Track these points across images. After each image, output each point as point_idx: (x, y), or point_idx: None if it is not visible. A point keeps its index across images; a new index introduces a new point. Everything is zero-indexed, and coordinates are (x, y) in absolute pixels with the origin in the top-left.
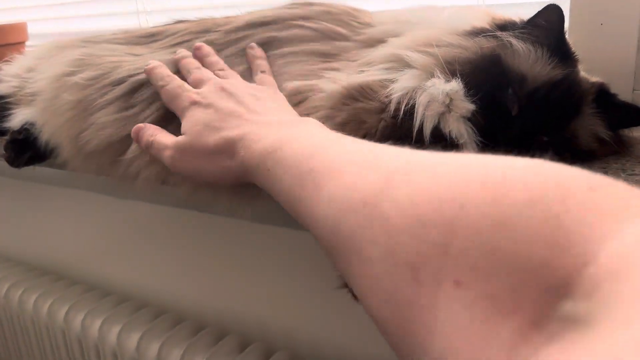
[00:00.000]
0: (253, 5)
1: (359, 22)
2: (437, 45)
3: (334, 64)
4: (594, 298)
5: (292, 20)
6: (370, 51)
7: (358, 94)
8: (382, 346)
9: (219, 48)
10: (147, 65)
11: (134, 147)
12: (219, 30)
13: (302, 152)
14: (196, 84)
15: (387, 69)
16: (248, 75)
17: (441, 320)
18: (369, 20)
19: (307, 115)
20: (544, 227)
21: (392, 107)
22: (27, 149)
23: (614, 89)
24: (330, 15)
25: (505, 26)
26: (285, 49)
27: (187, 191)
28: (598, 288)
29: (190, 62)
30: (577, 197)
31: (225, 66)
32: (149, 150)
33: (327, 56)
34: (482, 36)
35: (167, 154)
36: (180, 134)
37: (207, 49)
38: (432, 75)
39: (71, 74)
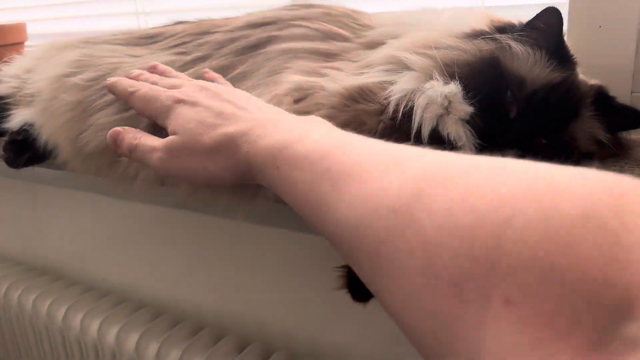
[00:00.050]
0: (252, 6)
1: (359, 24)
2: (436, 48)
3: (336, 64)
4: None
5: (293, 20)
6: (370, 53)
7: (358, 96)
8: (381, 347)
9: (217, 47)
10: (107, 82)
11: None
12: (218, 31)
13: (315, 150)
14: (171, 88)
15: (386, 70)
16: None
17: (490, 339)
18: (369, 22)
19: (308, 113)
20: (601, 243)
21: (391, 108)
22: (26, 149)
23: (612, 92)
24: (330, 16)
25: (504, 29)
26: (286, 45)
27: (186, 192)
28: None
29: (154, 75)
30: (632, 210)
31: (189, 78)
32: (132, 155)
33: (328, 55)
34: (481, 39)
35: (156, 156)
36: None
37: (164, 67)
38: (430, 78)
39: (70, 74)
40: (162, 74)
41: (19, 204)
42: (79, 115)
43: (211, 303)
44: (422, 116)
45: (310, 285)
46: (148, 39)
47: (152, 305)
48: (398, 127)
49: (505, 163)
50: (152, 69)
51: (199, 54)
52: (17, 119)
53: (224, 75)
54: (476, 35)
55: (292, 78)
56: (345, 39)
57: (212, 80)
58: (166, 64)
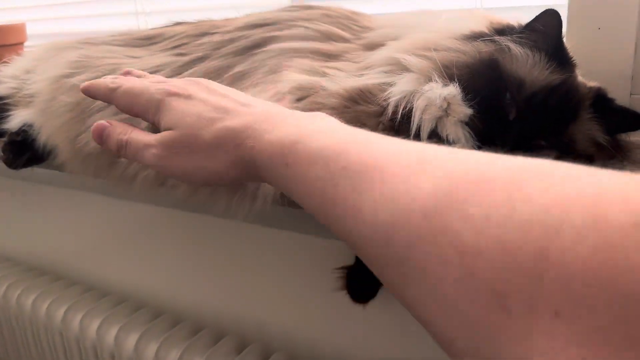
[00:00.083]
0: (252, 7)
1: (358, 26)
2: (435, 49)
3: (337, 64)
4: None
5: (292, 21)
6: (370, 54)
7: (358, 97)
8: (380, 348)
9: (216, 47)
10: (81, 87)
11: None
12: (217, 32)
13: (329, 146)
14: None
15: (385, 72)
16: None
17: (539, 353)
18: (369, 24)
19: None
20: None
21: (390, 110)
22: (25, 150)
23: (611, 93)
24: (330, 18)
25: (504, 30)
26: (286, 45)
27: (185, 193)
28: None
29: (132, 76)
30: None
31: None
32: (122, 152)
33: (328, 56)
34: (481, 40)
35: (150, 153)
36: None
37: (140, 72)
38: (430, 79)
39: (69, 75)
40: (138, 77)
41: (19, 204)
42: (78, 116)
43: (210, 303)
44: (421, 118)
45: (309, 286)
46: (147, 40)
47: (152, 306)
48: (397, 128)
49: (549, 166)
50: (129, 73)
51: (198, 54)
52: (16, 119)
53: (223, 75)
54: (475, 37)
55: (293, 76)
56: (345, 40)
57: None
58: (165, 65)
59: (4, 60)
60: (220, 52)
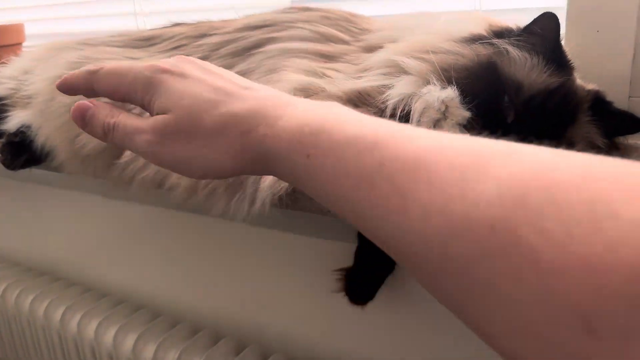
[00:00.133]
0: (250, 8)
1: (357, 28)
2: (434, 52)
3: (335, 65)
4: None
5: (291, 23)
6: (369, 56)
7: (357, 100)
8: (378, 350)
9: (215, 48)
10: (56, 84)
11: (129, 150)
12: (216, 34)
13: (361, 138)
14: None
15: (384, 74)
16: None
17: None
18: (367, 26)
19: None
20: None
21: (388, 112)
22: (23, 151)
23: (610, 96)
24: (329, 20)
25: (502, 33)
26: (285, 45)
27: (183, 195)
28: None
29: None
30: None
31: None
32: (109, 137)
33: (328, 57)
34: (479, 43)
35: (142, 139)
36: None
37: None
38: (428, 82)
39: None
40: None
41: (18, 205)
42: None
43: (209, 305)
44: (419, 121)
45: (308, 287)
46: (146, 41)
47: (150, 307)
48: None
49: (625, 169)
50: None
51: (197, 55)
52: (14, 120)
53: None
54: (474, 39)
55: (293, 77)
56: (344, 42)
57: None
58: None
59: (2, 60)
60: (219, 52)
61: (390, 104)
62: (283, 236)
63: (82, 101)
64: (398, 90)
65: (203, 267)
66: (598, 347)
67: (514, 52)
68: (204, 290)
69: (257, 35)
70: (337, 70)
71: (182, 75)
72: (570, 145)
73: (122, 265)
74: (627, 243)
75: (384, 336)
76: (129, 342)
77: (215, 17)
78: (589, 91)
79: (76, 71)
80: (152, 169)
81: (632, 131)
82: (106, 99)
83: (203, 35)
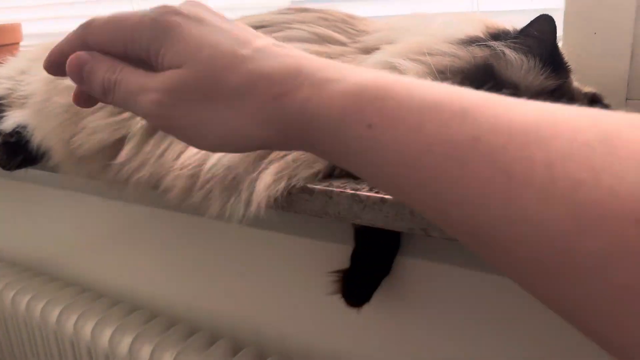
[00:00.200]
0: (248, 9)
1: (354, 29)
2: (430, 54)
3: None
4: None
5: (289, 23)
6: (366, 58)
7: None
8: (374, 352)
9: None
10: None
11: (124, 151)
12: None
13: (444, 106)
14: None
15: None
16: None
17: None
18: (365, 28)
19: None
20: None
21: None
22: (19, 151)
23: (607, 99)
24: (327, 21)
25: (499, 35)
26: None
27: (177, 196)
28: None
29: None
30: None
31: None
32: (109, 96)
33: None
34: (476, 45)
35: (148, 98)
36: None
37: None
38: None
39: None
40: None
41: (14, 205)
42: (72, 117)
43: (206, 306)
44: None
45: (305, 289)
46: None
47: (147, 308)
48: None
49: None
50: None
51: None
52: (10, 120)
53: None
54: (470, 41)
55: None
56: (341, 44)
57: None
58: None
59: None
60: None
61: None
62: (280, 237)
63: (80, 52)
64: None
65: (200, 268)
66: None
67: (510, 54)
68: (201, 291)
69: None
70: None
71: (198, 21)
72: None
73: (119, 266)
74: None
75: (380, 338)
76: (125, 343)
77: None
78: (586, 94)
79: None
80: (148, 170)
81: None
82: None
83: None
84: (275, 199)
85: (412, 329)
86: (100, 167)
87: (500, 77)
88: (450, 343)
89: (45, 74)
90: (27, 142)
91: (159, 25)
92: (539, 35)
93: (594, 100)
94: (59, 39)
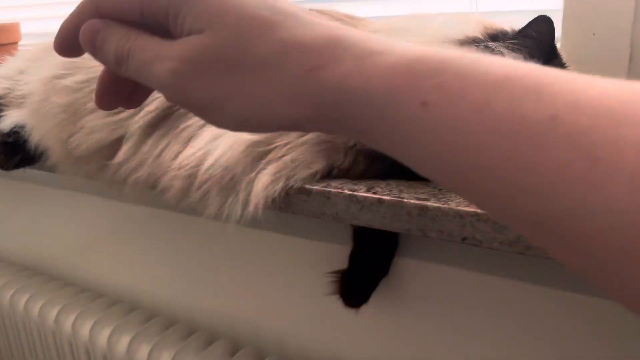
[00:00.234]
0: None
1: None
2: None
3: None
4: None
5: None
6: None
7: None
8: (370, 352)
9: None
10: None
11: (122, 151)
12: None
13: (514, 81)
14: None
15: None
16: None
17: None
18: (364, 28)
19: None
20: None
21: None
22: (17, 151)
23: None
24: None
25: (497, 36)
26: None
27: (174, 196)
28: None
29: None
30: None
31: None
32: (123, 65)
33: None
34: (474, 46)
35: (165, 67)
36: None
37: None
38: None
39: (62, 76)
40: None
41: (12, 205)
42: (70, 117)
43: (204, 306)
44: None
45: (302, 290)
46: None
47: (145, 308)
48: None
49: None
50: None
51: None
52: (8, 120)
53: None
54: (469, 42)
55: None
56: None
57: None
58: None
59: None
60: None
61: None
62: (278, 238)
63: (93, 20)
64: None
65: (198, 268)
66: None
67: (508, 55)
68: (199, 291)
69: None
70: None
71: None
72: None
73: (117, 265)
74: None
75: (378, 339)
76: (123, 342)
77: None
78: None
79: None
80: (145, 170)
81: None
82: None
83: None
84: (273, 200)
85: (410, 330)
86: (98, 167)
87: None
88: (448, 343)
89: (42, 74)
90: (25, 141)
91: None
92: (538, 36)
93: None
94: None
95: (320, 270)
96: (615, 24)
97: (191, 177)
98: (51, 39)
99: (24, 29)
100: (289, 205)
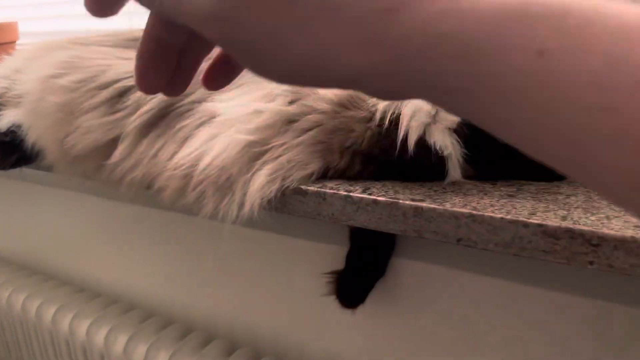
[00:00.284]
0: None
1: None
2: None
3: None
4: None
5: None
6: None
7: (348, 102)
8: (367, 353)
9: None
10: None
11: (118, 151)
12: None
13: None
14: None
15: None
16: None
17: None
18: None
19: (301, 115)
20: None
21: (378, 116)
22: (13, 151)
23: None
24: None
25: None
26: None
27: (170, 197)
28: None
29: None
30: None
31: None
32: (156, 1)
33: None
34: None
35: None
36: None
37: None
38: None
39: (58, 76)
40: None
41: (11, 204)
42: (66, 117)
43: (201, 306)
44: (408, 124)
45: (300, 290)
46: (137, 41)
47: (142, 308)
48: (385, 134)
49: None
50: None
51: None
52: (4, 120)
53: None
54: None
55: None
56: None
57: None
58: None
59: None
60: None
61: (381, 107)
62: (275, 238)
63: None
64: None
65: (195, 268)
66: None
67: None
68: (196, 291)
69: None
70: None
71: None
72: None
73: (115, 265)
74: None
75: (374, 339)
76: (120, 342)
77: None
78: None
79: None
80: (141, 170)
81: None
82: None
83: None
84: (269, 200)
85: (406, 330)
86: (94, 167)
87: None
88: (444, 343)
89: (40, 73)
90: (22, 141)
91: None
92: None
93: None
94: (55, 37)
95: (316, 271)
96: None
97: (187, 177)
98: (49, 39)
99: (22, 28)
100: (284, 206)
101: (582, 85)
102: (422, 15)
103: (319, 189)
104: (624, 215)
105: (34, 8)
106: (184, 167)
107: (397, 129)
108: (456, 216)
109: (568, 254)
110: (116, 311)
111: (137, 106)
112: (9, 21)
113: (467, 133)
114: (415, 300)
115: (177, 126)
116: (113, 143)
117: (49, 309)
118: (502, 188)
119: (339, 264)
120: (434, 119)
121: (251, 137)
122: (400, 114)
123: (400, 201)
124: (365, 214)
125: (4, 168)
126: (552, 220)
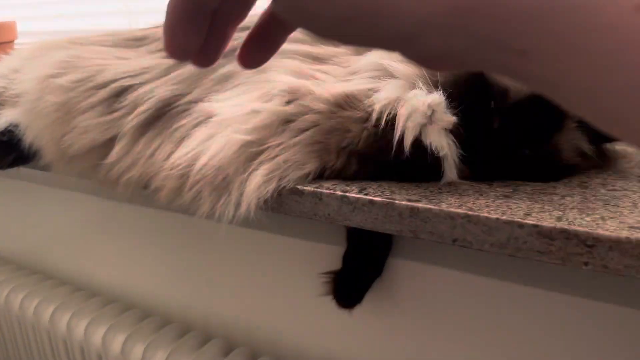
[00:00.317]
0: None
1: None
2: None
3: (325, 67)
4: None
5: None
6: (358, 59)
7: (344, 103)
8: (364, 353)
9: None
10: None
11: (115, 151)
12: None
13: None
14: None
15: (371, 78)
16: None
17: None
18: None
19: (298, 115)
20: None
21: (374, 116)
22: (11, 150)
23: None
24: None
25: None
26: None
27: (167, 197)
28: None
29: None
30: None
31: None
32: None
33: (318, 59)
34: None
35: None
36: None
37: None
38: (414, 86)
39: (56, 75)
40: None
41: (9, 203)
42: (63, 116)
43: (199, 306)
44: (404, 125)
45: (297, 290)
46: (135, 41)
47: (140, 307)
48: (381, 135)
49: None
50: None
51: None
52: (2, 119)
53: (208, 76)
54: None
55: (282, 78)
56: (334, 44)
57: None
58: (153, 67)
59: None
60: None
61: (377, 108)
62: (272, 238)
63: None
64: (384, 94)
65: (192, 268)
66: None
67: None
68: (194, 291)
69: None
70: (326, 73)
71: None
72: (556, 151)
73: (113, 265)
74: None
75: (371, 339)
76: (118, 341)
77: None
78: None
79: None
80: (138, 170)
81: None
82: None
83: None
84: (266, 200)
85: (403, 330)
86: (91, 167)
87: (490, 80)
88: (441, 343)
89: (37, 73)
90: (19, 140)
91: None
92: None
93: None
94: (53, 36)
95: (313, 271)
96: None
97: (184, 177)
98: (47, 38)
99: (20, 27)
100: (281, 206)
101: None
102: None
103: (315, 189)
104: (619, 216)
105: (33, 7)
106: (180, 167)
107: (394, 129)
108: (452, 217)
109: (563, 255)
110: (114, 310)
111: (134, 106)
112: (8, 20)
113: (463, 134)
114: (412, 300)
115: (174, 126)
116: (110, 143)
117: (47, 308)
118: (498, 188)
119: (335, 264)
120: (430, 119)
121: (248, 137)
122: (396, 115)
123: (397, 201)
124: (361, 214)
125: (1, 167)
126: (548, 221)
